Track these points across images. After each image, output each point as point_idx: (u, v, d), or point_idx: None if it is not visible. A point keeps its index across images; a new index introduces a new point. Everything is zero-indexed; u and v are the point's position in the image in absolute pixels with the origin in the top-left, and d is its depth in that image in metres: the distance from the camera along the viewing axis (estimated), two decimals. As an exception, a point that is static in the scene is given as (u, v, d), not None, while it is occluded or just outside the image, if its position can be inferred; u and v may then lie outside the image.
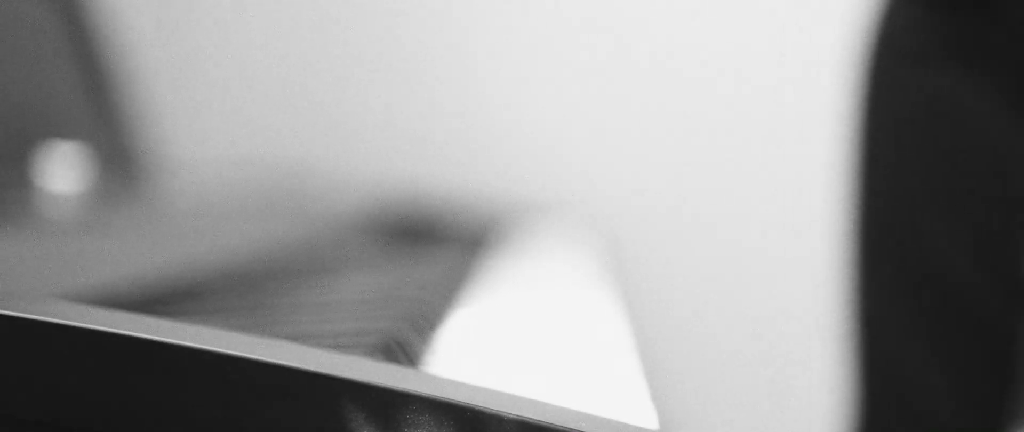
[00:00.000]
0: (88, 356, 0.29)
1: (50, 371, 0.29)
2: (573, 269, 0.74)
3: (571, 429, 0.29)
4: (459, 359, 0.41)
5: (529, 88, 1.14)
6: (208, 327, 0.32)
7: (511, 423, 0.29)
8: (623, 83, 1.14)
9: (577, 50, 1.14)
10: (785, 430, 1.15)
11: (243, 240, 0.62)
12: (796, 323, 1.12)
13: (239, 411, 0.29)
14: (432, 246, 0.76)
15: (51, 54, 0.82)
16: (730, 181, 1.14)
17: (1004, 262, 0.70)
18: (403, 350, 0.39)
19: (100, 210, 0.73)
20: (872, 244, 0.74)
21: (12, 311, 0.29)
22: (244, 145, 1.13)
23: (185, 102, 1.12)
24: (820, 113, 1.05)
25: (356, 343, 0.38)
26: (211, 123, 1.13)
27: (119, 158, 0.87)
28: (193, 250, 0.55)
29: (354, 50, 1.13)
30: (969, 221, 0.70)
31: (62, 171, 0.74)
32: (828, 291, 1.14)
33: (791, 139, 1.12)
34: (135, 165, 0.89)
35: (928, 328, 0.71)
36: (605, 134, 1.14)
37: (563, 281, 0.68)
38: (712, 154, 1.14)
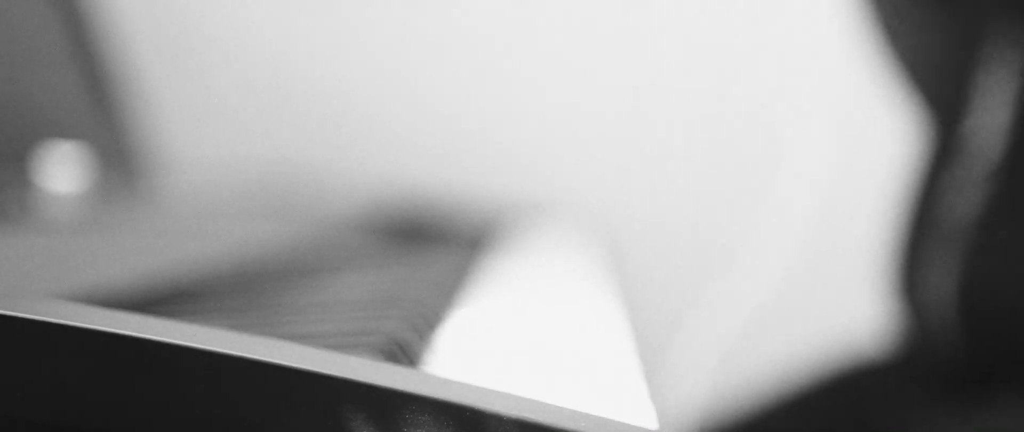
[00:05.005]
0: (88, 356, 0.29)
1: (50, 371, 0.29)
2: (572, 269, 0.74)
3: (571, 429, 0.29)
4: (459, 359, 0.41)
5: (529, 87, 1.14)
6: (208, 327, 0.32)
7: (510, 423, 0.29)
8: (623, 82, 1.14)
9: (578, 49, 1.14)
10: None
11: (243, 240, 0.62)
12: (797, 323, 1.12)
13: (239, 411, 0.29)
14: (432, 246, 0.76)
15: (51, 54, 0.82)
16: (732, 181, 1.14)
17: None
18: (403, 351, 0.39)
19: (100, 210, 0.73)
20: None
21: (12, 311, 0.29)
22: (243, 145, 1.13)
23: (184, 102, 1.12)
24: (822, 113, 1.05)
25: (356, 343, 0.38)
26: (210, 123, 1.13)
27: (119, 158, 0.87)
28: (193, 250, 0.55)
29: (353, 50, 1.13)
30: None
31: (62, 171, 0.74)
32: (829, 291, 1.14)
33: (793, 139, 1.12)
34: (135, 165, 0.89)
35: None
36: (605, 134, 1.14)
37: (563, 281, 0.68)
38: (714, 154, 1.14)
